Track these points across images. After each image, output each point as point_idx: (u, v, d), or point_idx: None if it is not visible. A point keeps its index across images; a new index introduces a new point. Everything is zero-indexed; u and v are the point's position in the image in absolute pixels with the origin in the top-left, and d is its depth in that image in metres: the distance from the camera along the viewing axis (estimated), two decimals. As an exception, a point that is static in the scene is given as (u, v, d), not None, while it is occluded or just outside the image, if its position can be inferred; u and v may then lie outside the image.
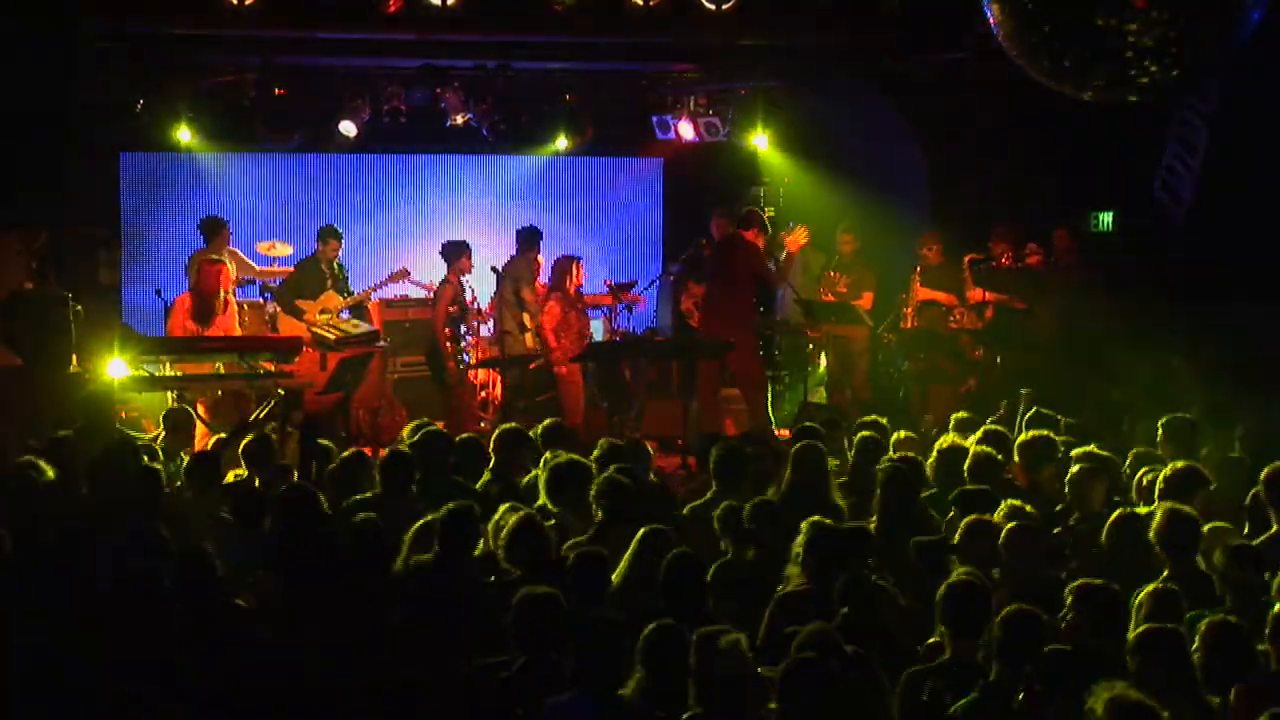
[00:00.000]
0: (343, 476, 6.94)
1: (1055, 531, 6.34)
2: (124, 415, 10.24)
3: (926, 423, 10.28)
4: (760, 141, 13.55)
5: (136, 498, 6.30)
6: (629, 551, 5.61)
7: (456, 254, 11.16)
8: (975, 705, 4.35)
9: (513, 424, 7.73)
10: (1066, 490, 6.73)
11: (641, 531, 5.63)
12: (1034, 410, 8.16)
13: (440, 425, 9.87)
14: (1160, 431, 7.49)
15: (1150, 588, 5.09)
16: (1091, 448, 7.07)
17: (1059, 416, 8.16)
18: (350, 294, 11.92)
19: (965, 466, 6.94)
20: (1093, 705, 3.90)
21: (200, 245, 11.79)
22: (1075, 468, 6.76)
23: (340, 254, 12.00)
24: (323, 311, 11.54)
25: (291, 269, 12.69)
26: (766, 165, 13.98)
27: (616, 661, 4.50)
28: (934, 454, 7.25)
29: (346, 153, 13.82)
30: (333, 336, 11.11)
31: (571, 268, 10.82)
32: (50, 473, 6.61)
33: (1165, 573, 5.52)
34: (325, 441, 7.51)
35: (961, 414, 8.36)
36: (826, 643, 4.41)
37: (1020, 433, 7.68)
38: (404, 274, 12.05)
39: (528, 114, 13.05)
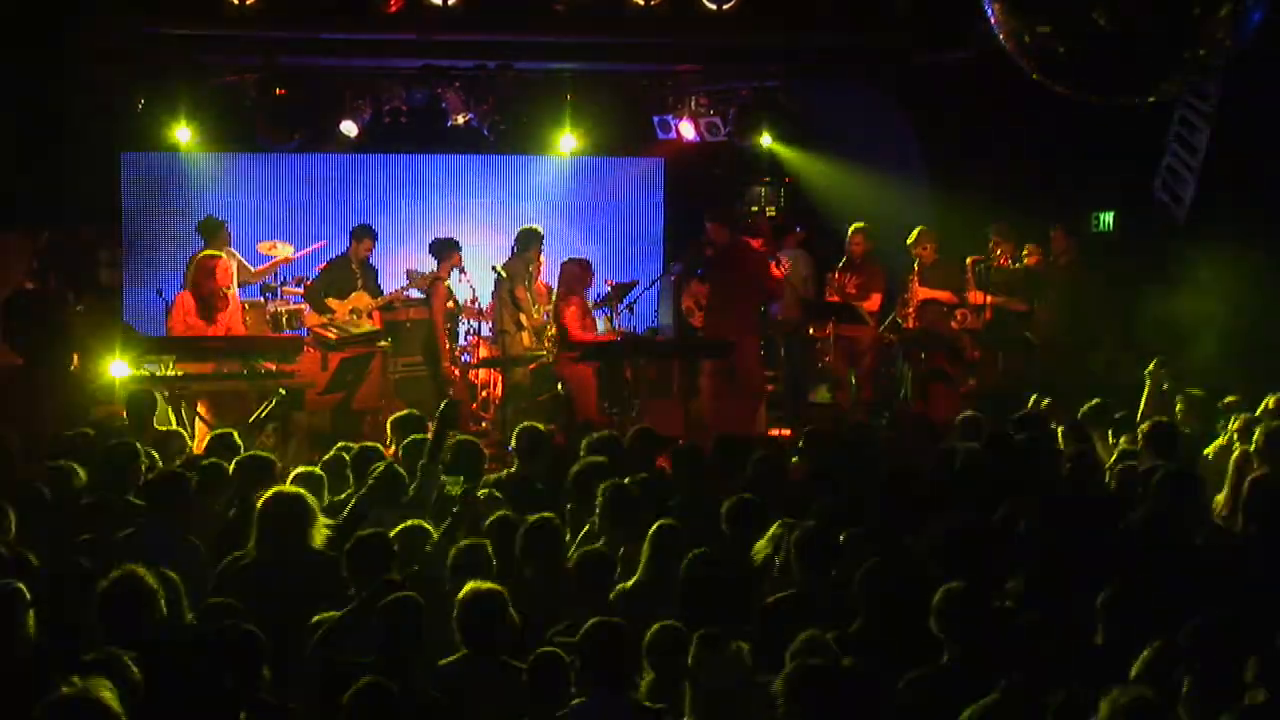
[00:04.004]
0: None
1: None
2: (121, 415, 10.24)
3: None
4: (761, 141, 13.57)
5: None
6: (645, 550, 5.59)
7: (448, 251, 11.14)
8: (994, 706, 4.30)
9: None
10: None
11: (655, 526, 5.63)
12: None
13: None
14: (1140, 438, 7.51)
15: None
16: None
17: None
18: (380, 293, 11.94)
19: None
20: (1102, 707, 3.88)
21: (200, 247, 11.79)
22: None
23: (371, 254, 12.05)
24: (352, 311, 11.55)
25: (280, 259, 12.68)
26: (767, 165, 13.99)
27: (628, 663, 4.51)
28: None
29: (346, 153, 13.81)
30: (334, 336, 11.12)
31: (586, 274, 10.82)
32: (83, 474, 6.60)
33: None
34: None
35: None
36: (821, 649, 4.39)
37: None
38: (431, 275, 12.07)
39: (528, 114, 13.06)
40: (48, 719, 3.72)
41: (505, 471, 7.29)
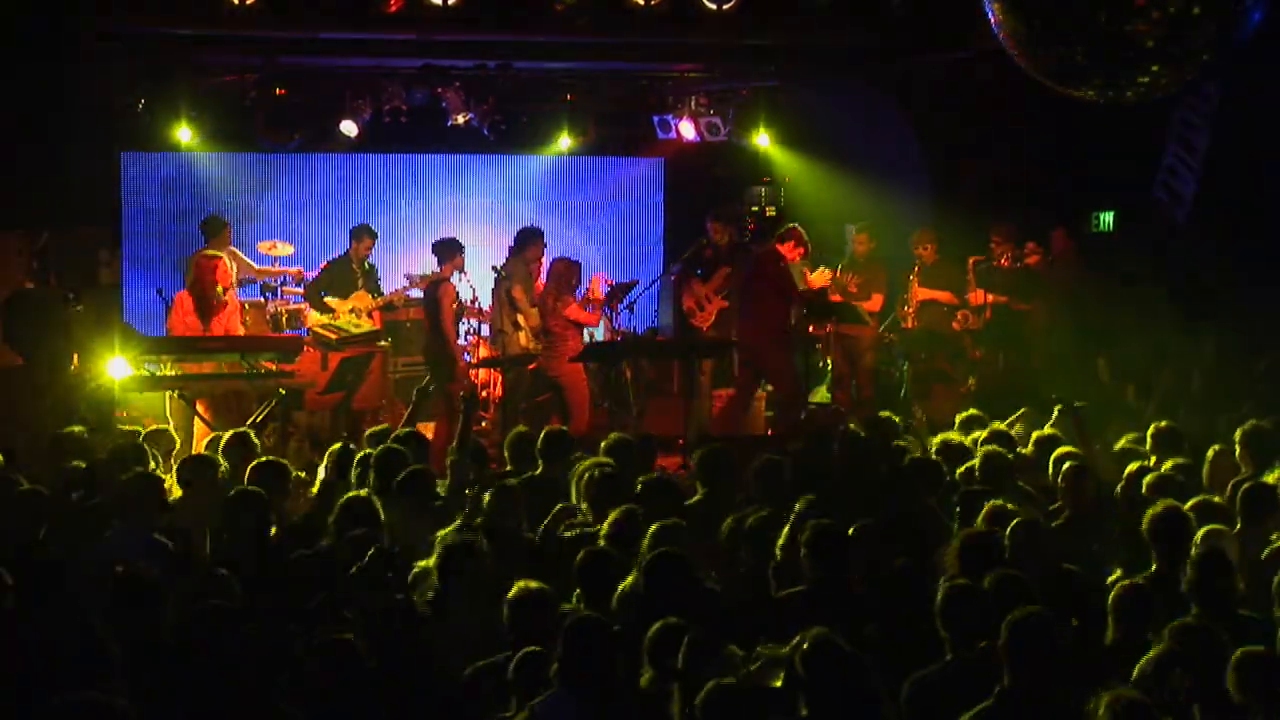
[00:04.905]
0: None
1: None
2: (124, 415, 10.23)
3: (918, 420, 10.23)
4: (761, 141, 13.58)
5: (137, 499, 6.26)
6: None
7: (452, 251, 11.14)
8: (989, 713, 4.29)
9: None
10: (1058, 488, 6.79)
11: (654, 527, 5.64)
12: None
13: (432, 426, 9.95)
14: (1149, 439, 7.51)
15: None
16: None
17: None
18: (381, 293, 11.92)
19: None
20: (1093, 707, 3.87)
21: (201, 244, 11.79)
22: (1065, 465, 6.81)
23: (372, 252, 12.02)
24: (352, 310, 11.53)
25: (290, 269, 12.71)
26: (767, 165, 13.99)
27: (603, 661, 4.50)
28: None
29: (346, 153, 13.82)
30: (334, 336, 11.11)
31: (575, 273, 10.79)
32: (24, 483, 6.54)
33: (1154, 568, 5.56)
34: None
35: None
36: (829, 647, 4.38)
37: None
38: (434, 276, 12.03)
39: (528, 114, 13.06)
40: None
41: (532, 473, 7.27)
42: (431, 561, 5.44)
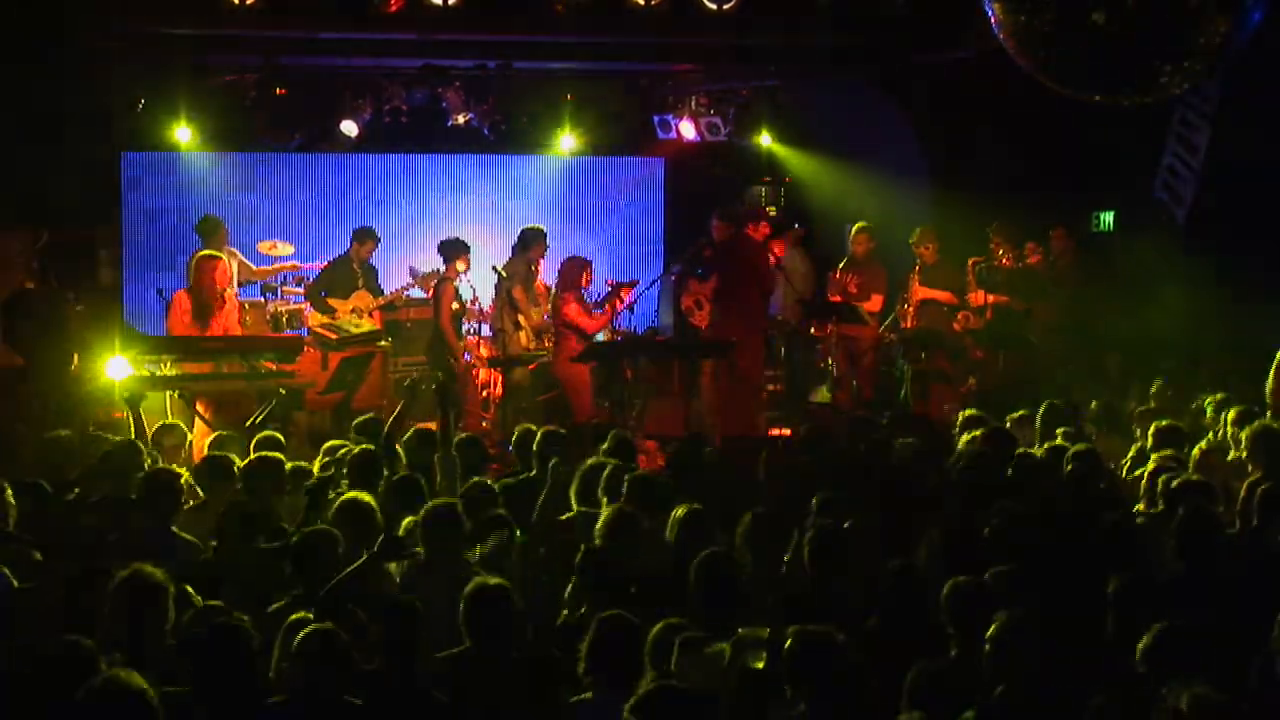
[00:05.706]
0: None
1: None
2: (123, 416, 10.21)
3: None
4: (761, 141, 13.58)
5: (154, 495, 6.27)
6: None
7: (455, 252, 11.15)
8: (990, 712, 4.29)
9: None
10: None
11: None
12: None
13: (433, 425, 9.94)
14: (1150, 438, 7.52)
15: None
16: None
17: None
18: (381, 293, 11.92)
19: None
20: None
21: (200, 246, 11.78)
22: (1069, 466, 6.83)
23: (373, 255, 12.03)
24: (353, 310, 11.53)
25: (287, 265, 12.70)
26: (767, 165, 14.00)
27: (634, 659, 4.50)
28: None
29: (347, 153, 13.82)
30: (334, 336, 11.12)
31: (583, 271, 10.82)
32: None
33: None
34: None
35: None
36: (823, 642, 4.37)
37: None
38: (436, 275, 12.05)
39: (528, 114, 13.06)
40: (88, 704, 3.77)
41: (526, 474, 7.27)
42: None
